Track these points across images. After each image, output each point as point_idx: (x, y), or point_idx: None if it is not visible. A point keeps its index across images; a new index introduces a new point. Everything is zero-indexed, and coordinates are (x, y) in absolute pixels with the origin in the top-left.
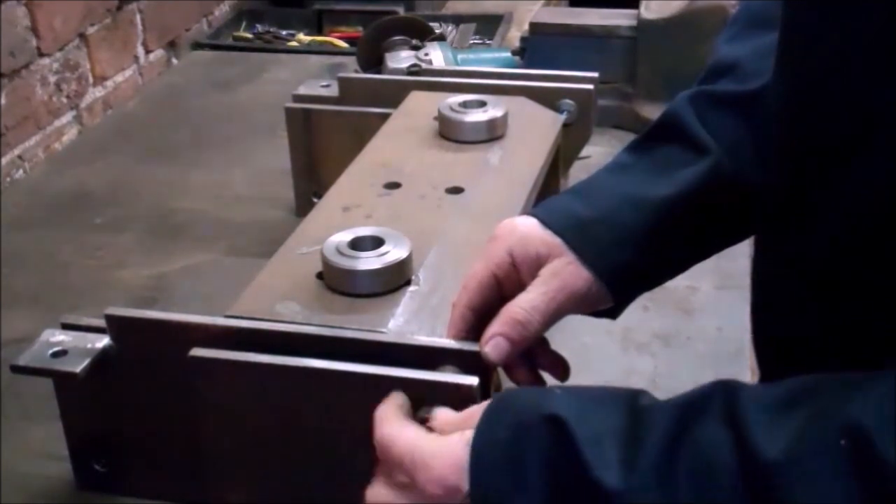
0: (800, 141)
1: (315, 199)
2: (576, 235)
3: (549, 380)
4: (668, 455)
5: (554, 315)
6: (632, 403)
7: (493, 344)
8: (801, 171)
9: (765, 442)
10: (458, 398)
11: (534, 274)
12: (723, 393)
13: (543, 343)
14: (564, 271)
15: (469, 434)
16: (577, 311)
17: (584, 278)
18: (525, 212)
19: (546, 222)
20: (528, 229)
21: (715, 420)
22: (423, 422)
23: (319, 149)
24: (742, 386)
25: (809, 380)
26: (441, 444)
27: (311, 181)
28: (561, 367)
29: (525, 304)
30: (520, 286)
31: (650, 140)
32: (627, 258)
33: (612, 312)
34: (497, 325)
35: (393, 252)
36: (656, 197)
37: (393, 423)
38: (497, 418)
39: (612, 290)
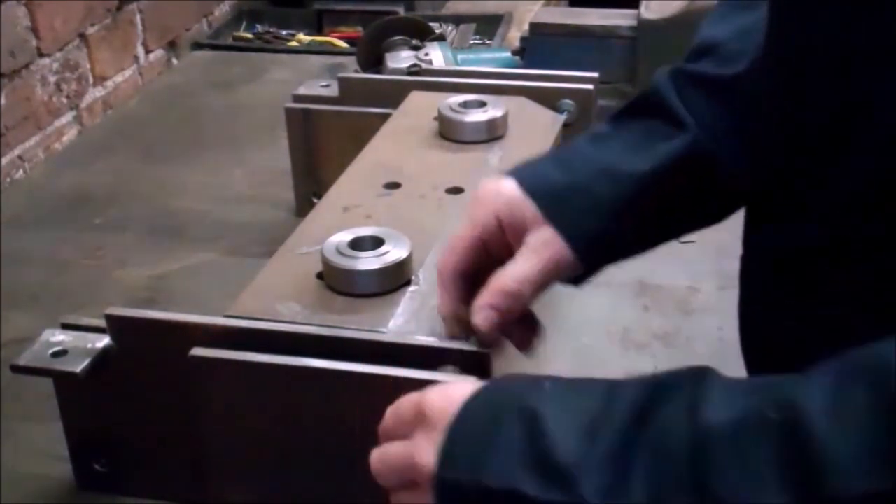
0: (784, 132)
1: (315, 199)
2: (552, 204)
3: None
4: (625, 433)
5: (543, 285)
6: (608, 390)
7: (483, 316)
8: (784, 163)
9: (711, 416)
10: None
11: (520, 238)
12: (692, 378)
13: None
14: (554, 242)
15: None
16: (556, 280)
17: (563, 249)
18: None
19: (527, 188)
20: (512, 193)
21: (676, 403)
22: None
23: (319, 149)
24: (713, 373)
25: (776, 376)
26: (445, 385)
27: (311, 181)
28: (533, 336)
29: (518, 276)
30: (507, 249)
31: (631, 112)
32: (601, 229)
33: (577, 280)
34: (488, 296)
35: (393, 252)
36: (633, 170)
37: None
38: (485, 396)
39: (583, 260)
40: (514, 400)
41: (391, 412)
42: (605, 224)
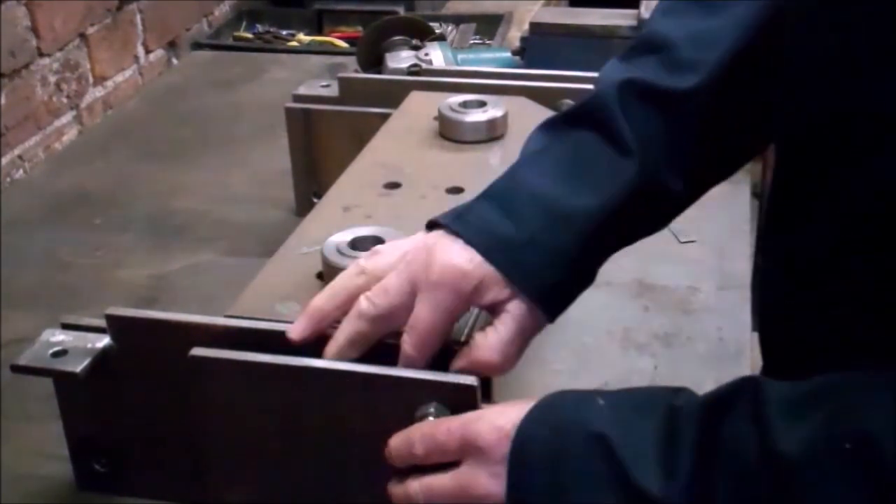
0: (802, 138)
1: (315, 199)
2: (514, 268)
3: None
4: (702, 459)
5: (520, 352)
6: (669, 407)
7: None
8: (797, 172)
9: (784, 440)
10: (458, 398)
11: (484, 303)
12: (749, 391)
13: None
14: (524, 312)
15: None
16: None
17: (537, 315)
18: None
19: (485, 254)
20: (475, 272)
21: (742, 419)
22: (422, 419)
23: (319, 149)
24: (766, 383)
25: (831, 379)
26: (486, 413)
27: (311, 181)
28: None
29: (495, 347)
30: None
31: (570, 122)
32: (559, 280)
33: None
34: (466, 362)
35: None
36: (581, 210)
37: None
38: (540, 421)
39: (551, 316)
40: (575, 424)
41: (424, 440)
42: (562, 274)
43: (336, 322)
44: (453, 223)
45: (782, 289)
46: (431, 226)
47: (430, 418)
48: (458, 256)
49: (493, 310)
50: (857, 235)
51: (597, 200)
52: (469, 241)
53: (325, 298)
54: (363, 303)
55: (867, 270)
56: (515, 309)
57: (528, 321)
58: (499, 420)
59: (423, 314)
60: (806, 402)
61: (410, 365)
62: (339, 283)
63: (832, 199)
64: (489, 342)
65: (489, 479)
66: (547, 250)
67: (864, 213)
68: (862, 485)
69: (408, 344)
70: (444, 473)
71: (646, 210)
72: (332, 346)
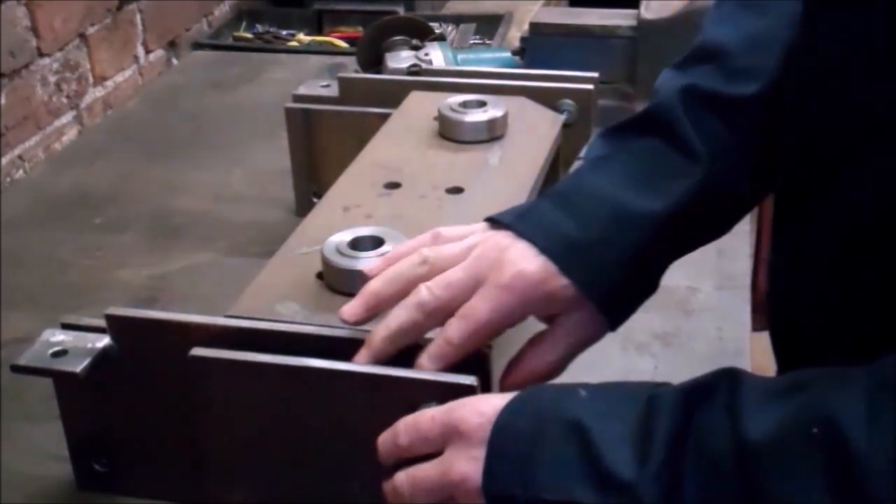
0: (805, 139)
1: (315, 199)
2: (582, 272)
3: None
4: (673, 446)
5: (568, 362)
6: (648, 397)
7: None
8: (806, 170)
9: (753, 428)
10: (457, 398)
11: (546, 313)
12: (727, 381)
13: None
14: (586, 324)
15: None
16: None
17: (598, 325)
18: None
19: (550, 254)
20: (540, 276)
21: (716, 408)
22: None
23: (319, 149)
24: (746, 375)
25: (806, 373)
26: (470, 400)
27: (311, 181)
28: None
29: (549, 359)
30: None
31: (635, 129)
32: (625, 283)
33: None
34: (519, 376)
35: None
36: (648, 213)
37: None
38: (521, 408)
39: (613, 325)
40: (554, 411)
41: (407, 430)
42: (631, 278)
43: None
44: (519, 224)
45: (792, 285)
46: (492, 222)
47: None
48: (532, 264)
49: (552, 318)
50: (863, 232)
51: (664, 203)
52: (543, 249)
53: (382, 283)
54: (424, 293)
55: (874, 267)
56: (579, 317)
57: (591, 329)
58: (482, 406)
59: (482, 310)
60: (780, 393)
61: (447, 354)
62: (399, 270)
63: (838, 196)
64: (543, 352)
65: (468, 462)
66: (614, 252)
67: (868, 210)
68: (825, 470)
69: (455, 331)
70: (427, 462)
71: (712, 213)
72: (383, 331)
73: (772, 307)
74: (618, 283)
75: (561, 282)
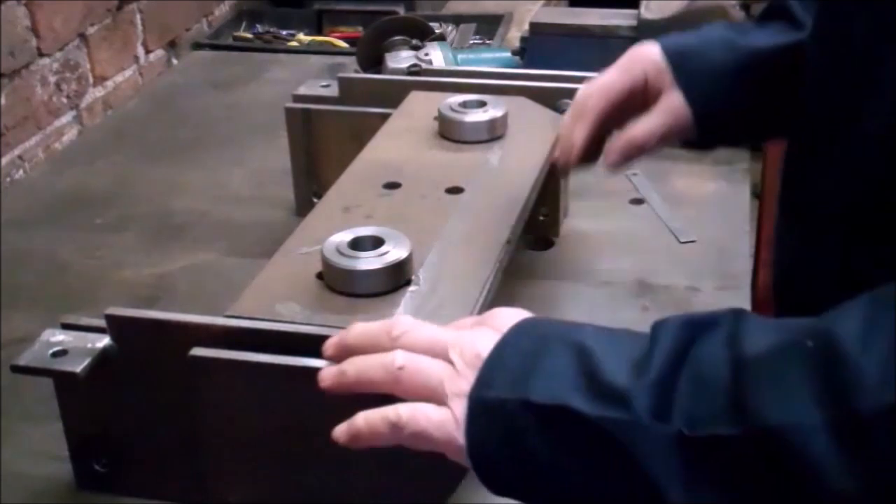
0: (818, 91)
1: (315, 199)
2: (680, 65)
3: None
4: (671, 365)
5: (665, 142)
6: (652, 325)
7: (614, 159)
8: (818, 121)
9: (749, 345)
10: None
11: (655, 96)
12: (732, 315)
13: None
14: (679, 107)
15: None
16: (675, 139)
17: (687, 114)
18: (525, 212)
19: (666, 52)
20: (657, 58)
21: (718, 337)
22: None
23: (319, 149)
24: (749, 313)
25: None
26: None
27: (311, 181)
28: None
29: (648, 130)
30: (643, 104)
31: (763, 18)
32: (714, 92)
33: (694, 145)
34: (624, 143)
35: (393, 252)
36: (749, 44)
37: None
38: (528, 328)
39: (698, 124)
40: (559, 333)
41: (414, 339)
42: (719, 88)
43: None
44: (662, 40)
45: (797, 245)
46: None
47: None
48: (651, 48)
49: (654, 100)
50: (864, 189)
51: (762, 42)
52: (662, 45)
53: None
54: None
55: (876, 224)
56: (671, 100)
57: (679, 117)
58: (501, 316)
59: (607, 73)
60: (782, 324)
61: (582, 105)
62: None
63: (840, 155)
64: (645, 124)
65: (470, 372)
66: (708, 59)
67: (868, 168)
68: (815, 379)
69: (586, 89)
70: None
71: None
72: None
73: (777, 268)
74: (707, 90)
75: (666, 67)
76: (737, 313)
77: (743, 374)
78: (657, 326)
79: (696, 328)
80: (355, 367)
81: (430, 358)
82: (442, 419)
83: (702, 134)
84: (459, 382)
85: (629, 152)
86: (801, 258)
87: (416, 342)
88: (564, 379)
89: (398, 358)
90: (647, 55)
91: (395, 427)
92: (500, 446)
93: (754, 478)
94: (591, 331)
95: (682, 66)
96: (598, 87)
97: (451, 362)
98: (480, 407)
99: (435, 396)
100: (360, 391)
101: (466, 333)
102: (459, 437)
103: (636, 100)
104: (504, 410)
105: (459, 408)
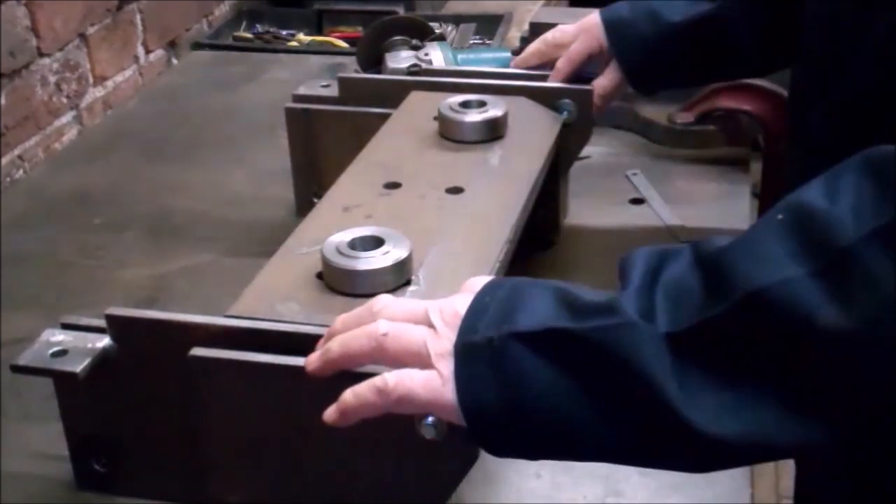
0: (824, 12)
1: (315, 199)
2: (617, 39)
3: None
4: (647, 283)
5: (616, 94)
6: (620, 259)
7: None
8: (824, 42)
9: (717, 242)
10: None
11: (610, 58)
12: (693, 245)
13: None
14: (621, 74)
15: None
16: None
17: (621, 78)
18: (525, 212)
19: (604, 21)
20: (599, 29)
21: (684, 263)
22: (422, 419)
23: (319, 149)
24: (713, 237)
25: None
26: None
27: (311, 181)
28: None
29: (603, 85)
30: (604, 63)
31: None
32: (643, 61)
33: (642, 93)
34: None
35: (393, 252)
36: (666, 18)
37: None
38: (500, 283)
39: (634, 85)
40: (532, 282)
41: (395, 310)
42: (644, 54)
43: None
44: (602, 11)
45: (803, 165)
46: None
47: (431, 418)
48: (598, 21)
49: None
50: (866, 105)
51: (681, 16)
52: (603, 17)
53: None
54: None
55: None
56: (614, 67)
57: (621, 78)
58: (470, 284)
59: (574, 46)
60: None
61: (560, 74)
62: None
63: (843, 72)
64: (601, 81)
65: (451, 333)
66: (636, 33)
67: (881, 76)
68: (793, 238)
69: (561, 61)
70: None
71: (715, 48)
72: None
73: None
74: (637, 60)
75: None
76: (696, 243)
77: (716, 263)
78: (625, 258)
79: (662, 256)
80: (339, 342)
81: (413, 324)
82: (427, 377)
83: (636, 86)
84: (442, 342)
85: (598, 102)
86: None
87: (396, 313)
88: (548, 309)
89: (381, 326)
90: (596, 27)
91: (383, 392)
92: (493, 387)
93: (746, 349)
94: (561, 282)
95: (615, 37)
96: (568, 57)
97: (432, 326)
98: (467, 352)
99: (420, 359)
100: (346, 366)
101: (443, 299)
102: (448, 392)
103: (597, 59)
104: (492, 349)
105: (445, 365)
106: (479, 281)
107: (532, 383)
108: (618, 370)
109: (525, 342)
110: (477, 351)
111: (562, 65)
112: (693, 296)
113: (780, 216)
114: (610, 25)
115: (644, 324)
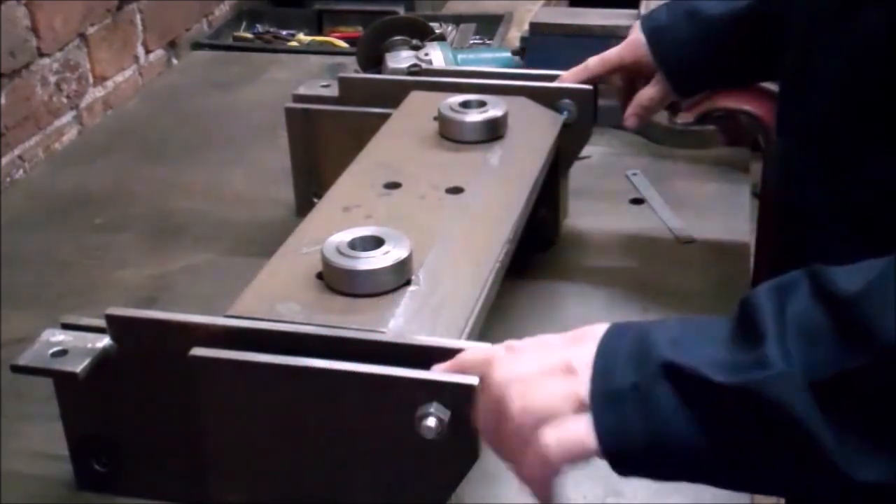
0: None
1: (315, 199)
2: (656, 43)
3: None
4: (779, 329)
5: (662, 103)
6: (740, 300)
7: (632, 120)
8: (803, 47)
9: (843, 283)
10: (458, 398)
11: (654, 70)
12: (808, 275)
13: None
14: (666, 83)
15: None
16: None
17: (668, 87)
18: (525, 212)
19: (645, 33)
20: (641, 40)
21: (804, 298)
22: (422, 419)
23: (319, 149)
24: (821, 266)
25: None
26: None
27: (311, 181)
28: None
29: (647, 96)
30: (647, 77)
31: None
32: (682, 60)
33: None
34: (633, 108)
35: (393, 252)
36: (710, 13)
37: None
38: (620, 333)
39: (677, 90)
40: (653, 326)
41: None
42: (687, 58)
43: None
44: (645, 18)
45: (795, 159)
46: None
47: (431, 418)
48: (635, 35)
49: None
50: (859, 97)
51: (720, 11)
52: (644, 30)
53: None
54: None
55: (871, 132)
56: (658, 77)
57: (665, 87)
58: (586, 333)
59: (611, 50)
60: (862, 266)
61: (587, 72)
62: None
63: (833, 62)
64: (645, 92)
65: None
66: (677, 35)
67: (868, 61)
68: None
69: (593, 59)
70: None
71: (758, 45)
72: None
73: (776, 186)
74: (677, 61)
75: (647, 52)
76: (809, 270)
77: (850, 312)
78: (745, 300)
79: (781, 291)
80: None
81: (546, 384)
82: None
83: (679, 89)
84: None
85: (641, 112)
86: (798, 171)
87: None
88: (701, 356)
89: (550, 453)
90: (640, 41)
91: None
92: (637, 431)
93: (892, 399)
94: (676, 322)
95: (655, 42)
96: (599, 57)
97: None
98: (609, 398)
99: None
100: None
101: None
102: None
103: (642, 73)
104: (638, 392)
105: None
106: (595, 329)
107: (677, 425)
108: (771, 421)
109: (670, 381)
110: (619, 397)
111: (593, 63)
112: (825, 339)
113: None
114: (649, 32)
115: (797, 373)
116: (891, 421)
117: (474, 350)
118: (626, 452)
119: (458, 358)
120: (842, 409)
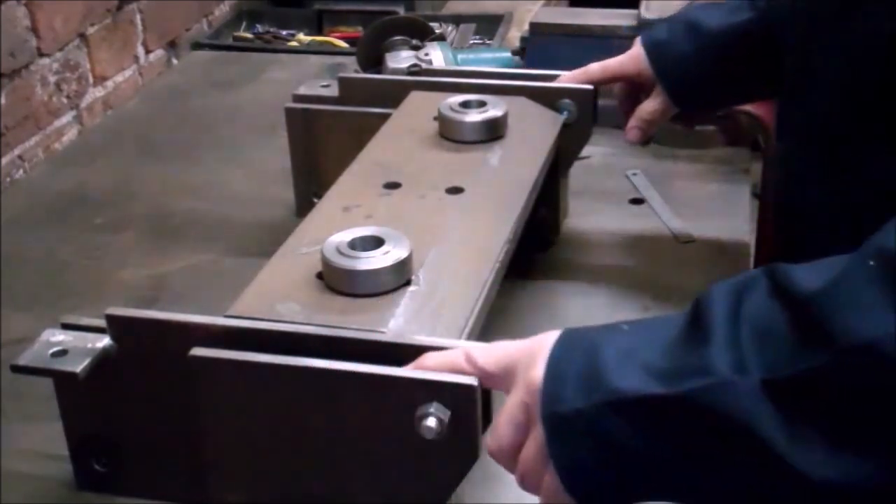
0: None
1: (315, 199)
2: (656, 58)
3: None
4: (731, 328)
5: (664, 117)
6: (695, 300)
7: (633, 134)
8: (804, 48)
9: (802, 282)
10: (458, 398)
11: (653, 84)
12: (767, 274)
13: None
14: (666, 96)
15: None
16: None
17: (668, 101)
18: (525, 212)
19: (645, 48)
20: (641, 54)
21: (762, 296)
22: (422, 419)
23: (319, 149)
24: (783, 265)
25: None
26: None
27: (311, 181)
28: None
29: (648, 109)
30: (648, 90)
31: None
32: (683, 75)
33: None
34: (634, 121)
35: (393, 252)
36: (707, 27)
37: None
38: (570, 346)
39: (678, 104)
40: (604, 339)
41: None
42: (687, 72)
43: None
44: (646, 36)
45: (795, 159)
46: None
47: (431, 418)
48: (636, 48)
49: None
50: (859, 97)
51: (720, 23)
52: (644, 45)
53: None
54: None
55: (871, 132)
56: (658, 90)
57: (666, 101)
58: (542, 341)
59: (614, 59)
60: (824, 263)
61: (586, 75)
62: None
63: (833, 63)
64: (647, 105)
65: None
66: (677, 50)
67: (868, 62)
68: (891, 290)
69: (595, 65)
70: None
71: (759, 59)
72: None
73: (776, 187)
74: (678, 76)
75: (648, 66)
76: (768, 269)
77: (807, 308)
78: (699, 300)
79: (738, 289)
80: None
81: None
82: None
83: (680, 105)
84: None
85: (642, 126)
86: (800, 172)
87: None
88: (634, 374)
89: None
90: (641, 55)
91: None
92: (588, 456)
93: (854, 398)
94: (630, 327)
95: (655, 57)
96: (600, 63)
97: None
98: (557, 423)
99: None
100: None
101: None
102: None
103: (643, 86)
104: (584, 419)
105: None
106: (546, 342)
107: (629, 451)
108: (719, 429)
109: (618, 413)
110: (567, 423)
111: (594, 69)
112: (782, 338)
113: (871, 262)
114: (650, 46)
115: (740, 379)
116: (850, 421)
117: (434, 357)
118: (581, 483)
119: (420, 361)
120: (799, 410)
